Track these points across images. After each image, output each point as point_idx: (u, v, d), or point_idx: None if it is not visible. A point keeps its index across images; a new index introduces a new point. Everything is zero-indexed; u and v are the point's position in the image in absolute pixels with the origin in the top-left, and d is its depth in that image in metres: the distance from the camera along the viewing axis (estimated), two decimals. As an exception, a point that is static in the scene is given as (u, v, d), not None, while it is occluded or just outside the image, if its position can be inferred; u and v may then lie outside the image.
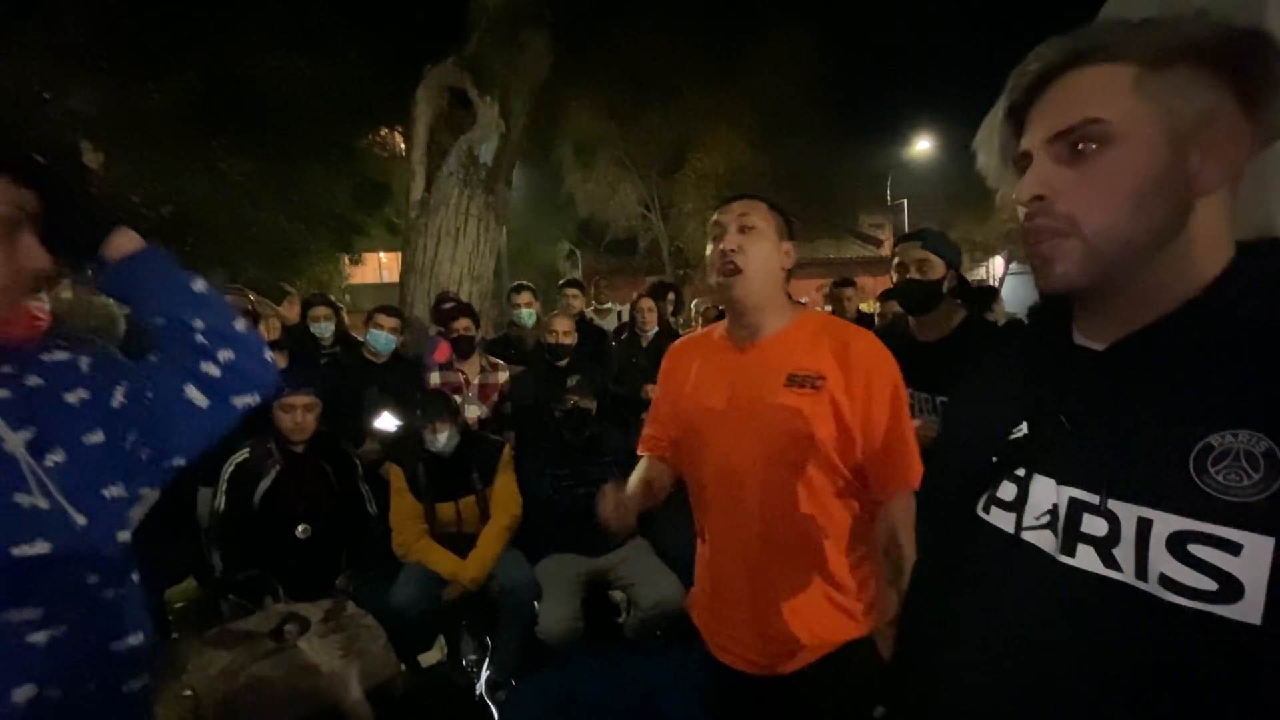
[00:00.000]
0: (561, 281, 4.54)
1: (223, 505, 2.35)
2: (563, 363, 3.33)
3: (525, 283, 4.22)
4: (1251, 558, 0.47)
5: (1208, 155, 0.56)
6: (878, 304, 4.35)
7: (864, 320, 4.43)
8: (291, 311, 3.57)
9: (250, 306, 3.24)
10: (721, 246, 1.26)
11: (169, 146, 6.32)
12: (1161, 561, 0.51)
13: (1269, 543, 0.47)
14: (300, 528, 2.35)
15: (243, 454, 2.42)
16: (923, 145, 19.24)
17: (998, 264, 21.43)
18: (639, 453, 1.49)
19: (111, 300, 1.97)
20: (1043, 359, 0.68)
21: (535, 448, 2.89)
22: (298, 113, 6.79)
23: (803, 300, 4.52)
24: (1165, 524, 0.51)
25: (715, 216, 1.31)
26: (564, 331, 3.40)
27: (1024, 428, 0.64)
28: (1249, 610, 0.47)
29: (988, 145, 0.67)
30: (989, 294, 4.19)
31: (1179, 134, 0.56)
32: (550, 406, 2.89)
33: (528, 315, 4.01)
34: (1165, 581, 0.51)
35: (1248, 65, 0.55)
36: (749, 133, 11.84)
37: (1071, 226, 0.58)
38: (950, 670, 0.66)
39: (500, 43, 5.07)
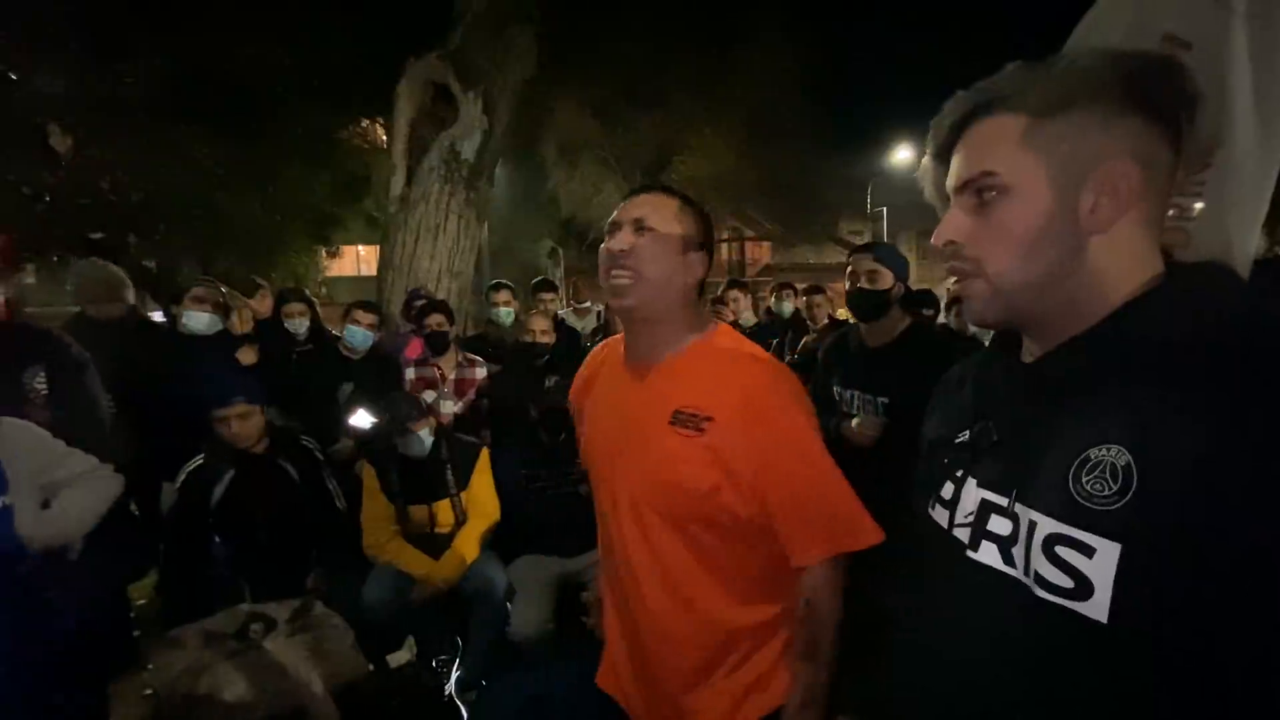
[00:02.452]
0: (534, 281, 4.50)
1: (175, 512, 2.31)
2: (541, 362, 3.32)
3: (504, 281, 4.20)
4: (1101, 561, 0.52)
5: (1101, 193, 0.59)
6: (845, 310, 4.45)
7: (838, 325, 4.52)
8: (264, 305, 3.50)
9: (221, 299, 3.18)
10: (608, 245, 1.07)
11: (141, 132, 6.15)
12: (1037, 560, 0.57)
13: (1116, 548, 0.52)
14: (261, 532, 2.32)
15: (197, 460, 2.39)
16: (902, 155, 19.55)
17: (973, 274, 21.82)
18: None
19: None
20: (990, 372, 0.74)
21: (511, 448, 2.88)
22: (276, 101, 6.65)
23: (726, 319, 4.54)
24: (1044, 526, 0.57)
25: (614, 213, 1.11)
26: (542, 331, 3.39)
27: (966, 433, 0.70)
28: (1098, 608, 0.52)
29: (928, 182, 0.72)
30: (925, 299, 4.40)
31: (1067, 179, 0.59)
32: (527, 407, 2.88)
33: (506, 314, 4.00)
34: (1038, 579, 0.57)
35: (1158, 92, 0.59)
36: (733, 137, 11.92)
37: (978, 269, 0.63)
38: (896, 652, 0.75)
39: (485, 39, 5.03)
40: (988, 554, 0.63)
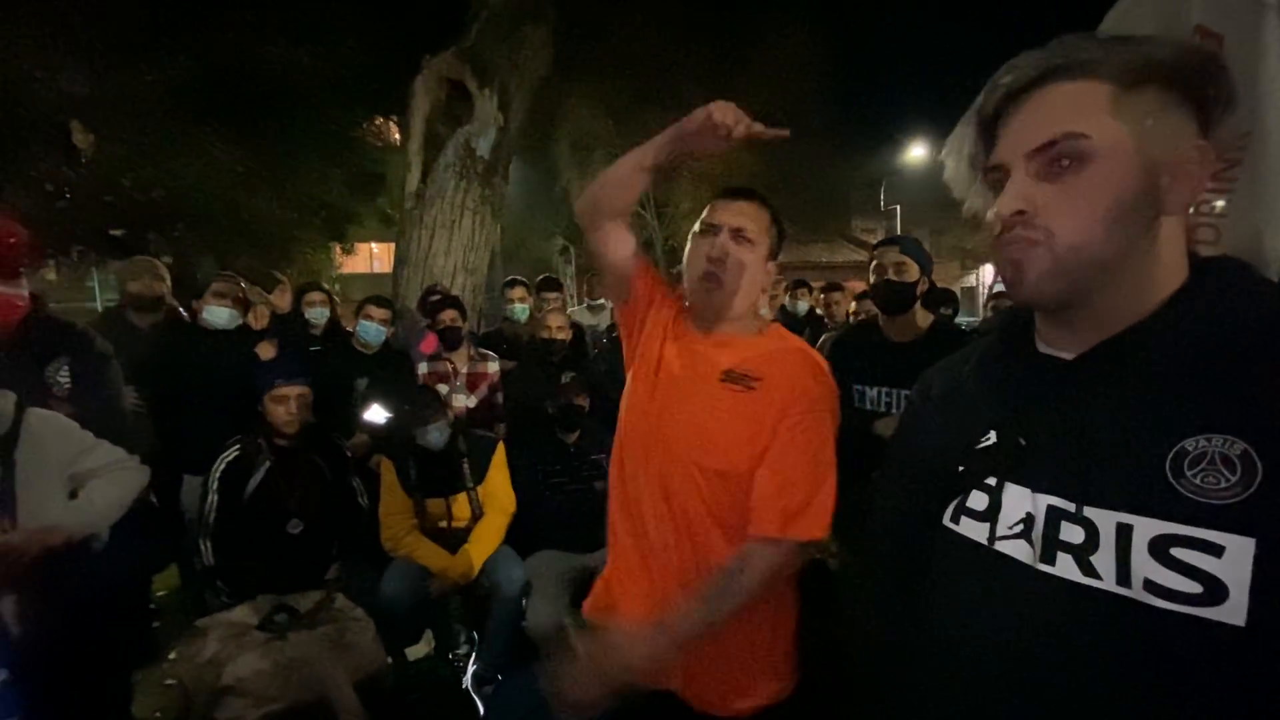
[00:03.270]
0: (539, 279, 4.49)
1: (215, 503, 2.32)
2: (557, 359, 3.33)
3: (519, 278, 4.20)
4: (1234, 559, 0.48)
5: (1176, 177, 0.57)
6: (854, 304, 4.43)
7: (816, 321, 4.56)
8: (282, 300, 3.54)
9: (241, 294, 3.21)
10: (709, 252, 1.15)
11: (161, 130, 6.23)
12: (1145, 566, 0.51)
13: (1250, 544, 0.47)
14: (292, 523, 2.33)
15: (233, 451, 2.40)
16: (916, 152, 19.39)
17: (988, 272, 21.66)
18: None
19: None
20: (1008, 368, 0.68)
21: (527, 444, 2.89)
22: (293, 99, 6.71)
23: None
24: (1146, 529, 0.52)
25: (710, 212, 1.19)
26: (558, 327, 3.39)
27: (992, 437, 0.65)
28: (1233, 612, 0.47)
29: (956, 155, 0.68)
30: (944, 297, 4.39)
31: (1151, 155, 0.57)
32: (543, 403, 2.88)
33: (521, 310, 4.00)
34: (1150, 586, 0.51)
35: (1205, 87, 0.57)
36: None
37: (1047, 238, 0.58)
38: (924, 684, 0.66)
39: (500, 36, 5.04)
40: (1064, 566, 0.56)
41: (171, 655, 1.84)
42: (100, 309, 10.57)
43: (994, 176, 0.63)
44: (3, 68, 5.29)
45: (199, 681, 1.62)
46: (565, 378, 2.89)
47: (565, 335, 3.40)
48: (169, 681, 1.83)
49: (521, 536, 2.73)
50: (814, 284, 5.13)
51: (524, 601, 2.53)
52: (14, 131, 5.47)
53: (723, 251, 1.14)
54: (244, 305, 3.18)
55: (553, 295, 4.26)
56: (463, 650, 2.70)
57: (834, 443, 1.13)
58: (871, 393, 2.10)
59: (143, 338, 2.93)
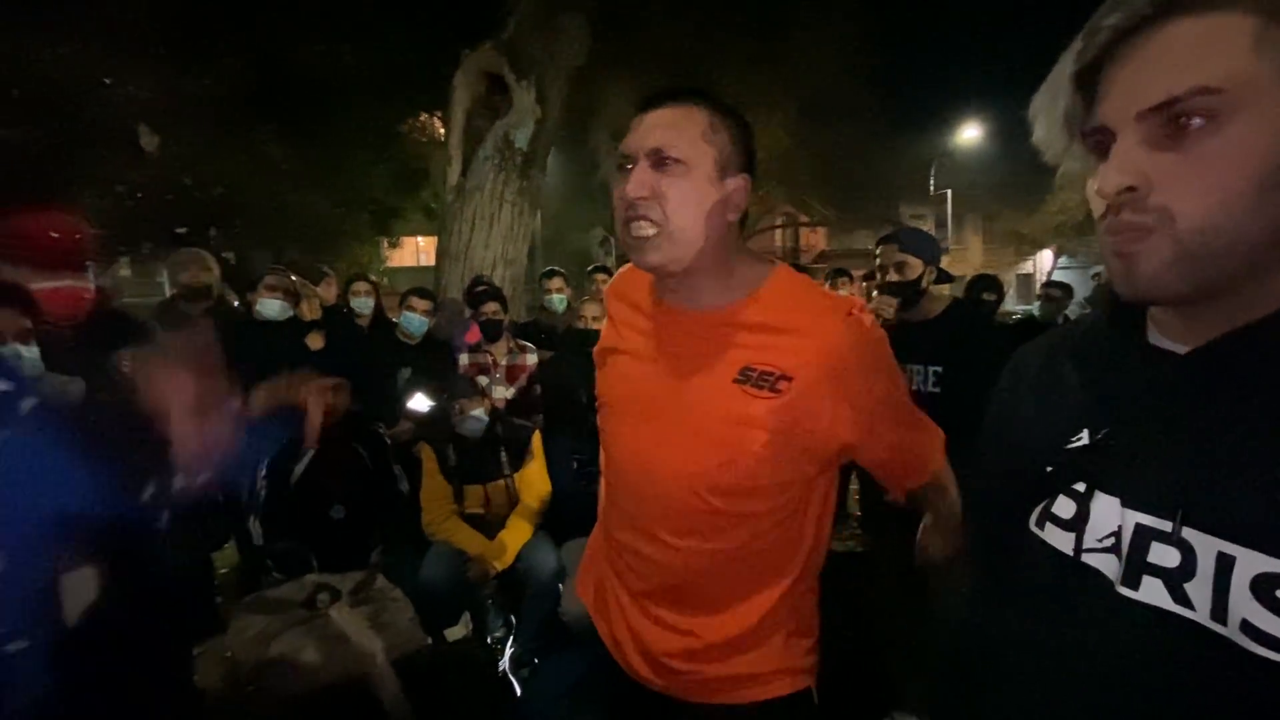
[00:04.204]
0: (590, 267, 4.54)
1: (264, 488, 2.44)
2: (592, 348, 3.35)
3: (556, 268, 4.24)
4: None
5: None
6: (875, 294, 4.31)
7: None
8: (329, 292, 3.67)
9: (292, 287, 3.34)
10: (621, 193, 0.84)
11: (219, 131, 6.53)
12: (1244, 606, 0.44)
13: None
14: (335, 508, 2.43)
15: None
16: (969, 134, 18.63)
17: (1045, 258, 20.70)
18: None
19: None
20: (1110, 360, 0.58)
21: (563, 433, 2.92)
22: (340, 98, 6.93)
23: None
24: (1251, 563, 0.44)
25: (625, 139, 0.87)
26: (594, 317, 3.41)
27: (1084, 437, 0.55)
28: None
29: (1048, 114, 0.55)
30: (988, 284, 4.30)
31: None
32: (579, 392, 2.91)
33: (559, 301, 4.04)
34: (1248, 629, 0.43)
35: None
36: (787, 120, 11.63)
37: (1164, 222, 0.47)
38: (1001, 688, 0.60)
39: (537, 27, 5.06)
40: (1151, 591, 0.49)
41: (228, 630, 1.94)
42: (168, 303, 11.18)
43: (1095, 140, 0.51)
44: (76, 76, 5.62)
45: (248, 654, 1.71)
46: (600, 368, 2.91)
47: (601, 325, 3.41)
48: (226, 654, 1.93)
49: (557, 524, 2.77)
50: (856, 272, 5.01)
51: (559, 587, 2.58)
52: (86, 135, 5.82)
53: (641, 187, 0.83)
54: (295, 297, 3.31)
55: (601, 278, 4.27)
56: (500, 633, 2.76)
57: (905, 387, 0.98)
58: (906, 369, 2.13)
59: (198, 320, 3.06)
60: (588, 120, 10.86)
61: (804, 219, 19.78)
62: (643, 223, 0.84)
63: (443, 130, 8.18)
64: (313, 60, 6.38)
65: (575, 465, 2.79)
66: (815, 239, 22.93)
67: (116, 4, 5.39)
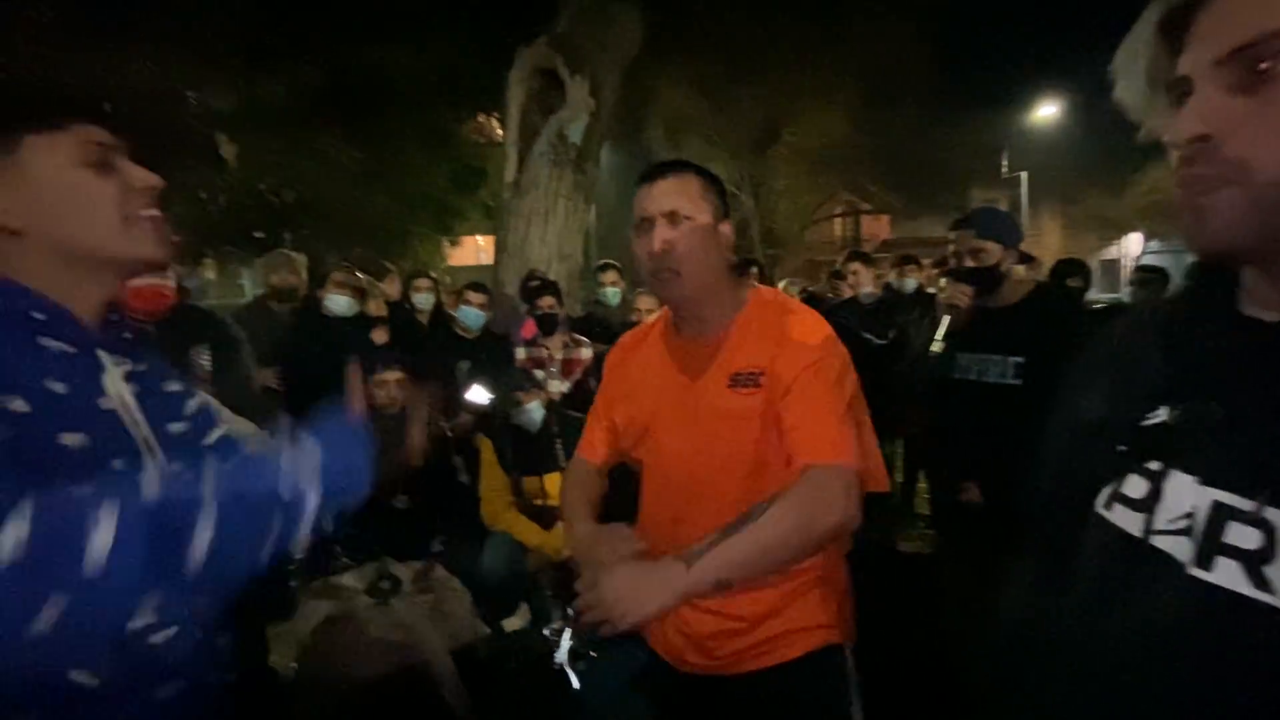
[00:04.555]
0: None
1: None
2: (647, 341, 3.31)
3: (611, 261, 4.22)
4: None
5: None
6: (943, 281, 4.00)
7: (927, 300, 4.07)
8: (392, 288, 3.78)
9: (358, 283, 3.46)
10: (649, 249, 1.09)
11: (290, 137, 6.86)
12: None
13: None
14: (399, 497, 2.49)
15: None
16: (1046, 111, 17.48)
17: (1132, 243, 19.19)
18: (579, 455, 1.37)
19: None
20: (1195, 331, 0.55)
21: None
22: (401, 101, 7.16)
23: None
24: None
25: (637, 203, 1.12)
26: (648, 310, 3.37)
27: (1161, 413, 0.53)
28: None
29: (1131, 68, 0.54)
30: (1073, 269, 3.99)
31: None
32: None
33: (613, 294, 4.03)
34: None
35: None
36: (847, 104, 11.23)
37: (1240, 173, 0.45)
38: (1063, 676, 0.58)
39: (590, 20, 5.05)
40: (1225, 573, 0.47)
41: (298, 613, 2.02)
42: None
43: (1179, 93, 0.49)
44: (162, 91, 6.00)
45: (316, 639, 1.76)
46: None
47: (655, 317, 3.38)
48: (297, 637, 2.00)
49: (614, 518, 2.75)
50: (924, 261, 4.75)
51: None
52: (172, 145, 6.24)
53: (663, 243, 1.08)
54: (361, 294, 3.43)
55: None
56: (557, 625, 2.77)
57: (862, 399, 1.11)
58: (963, 359, 2.00)
59: (283, 325, 3.22)
60: (641, 112, 10.84)
61: (865, 207, 19.10)
62: (667, 271, 1.09)
63: (499, 129, 8.34)
64: (375, 66, 6.61)
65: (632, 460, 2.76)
66: (878, 227, 22.12)
67: (198, 22, 5.73)
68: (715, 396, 1.11)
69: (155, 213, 0.76)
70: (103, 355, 0.76)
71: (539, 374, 3.32)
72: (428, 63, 6.95)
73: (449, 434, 2.88)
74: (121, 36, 5.48)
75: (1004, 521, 1.36)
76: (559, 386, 3.38)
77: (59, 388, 0.68)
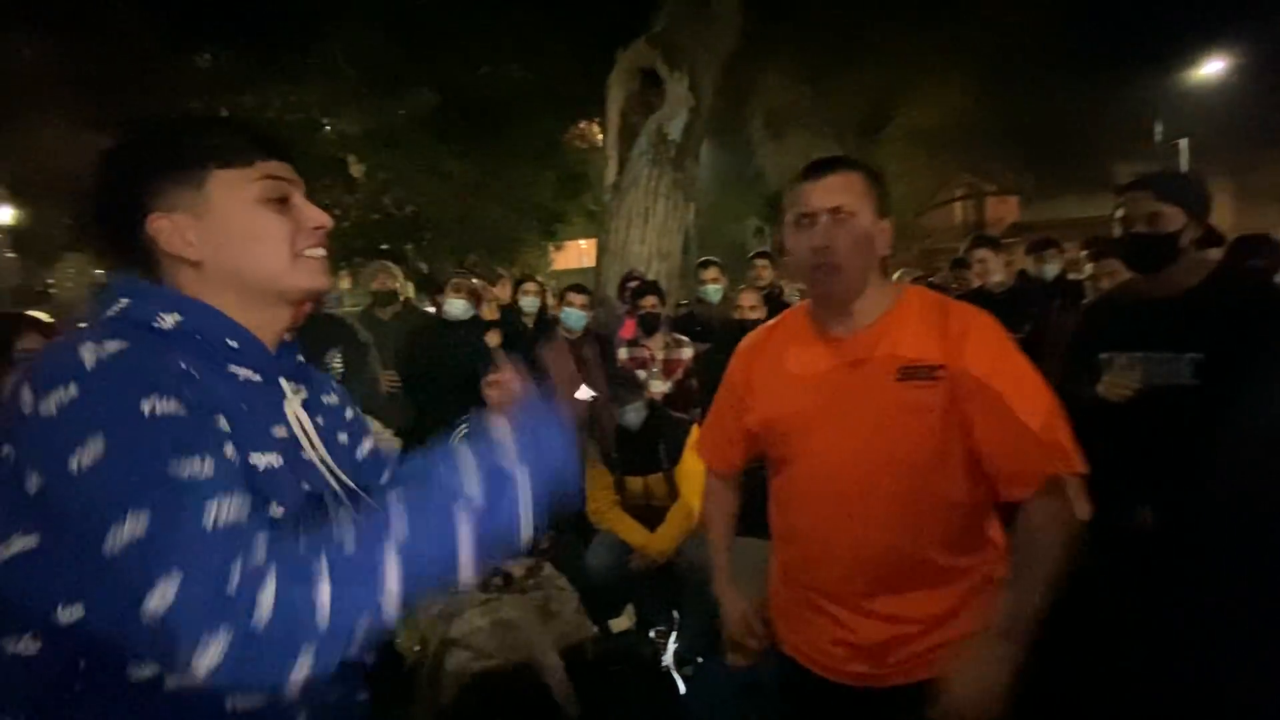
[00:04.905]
0: (751, 253, 4.38)
1: None
2: (751, 339, 3.21)
3: (713, 259, 4.15)
4: None
5: None
6: (1089, 266, 3.45)
7: (1071, 288, 3.55)
8: (503, 291, 3.95)
9: (474, 288, 3.64)
10: (812, 243, 1.08)
11: (411, 155, 7.38)
12: None
13: None
14: None
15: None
16: (1211, 68, 15.17)
17: (1328, 214, 16.27)
18: (710, 471, 1.37)
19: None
20: None
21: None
22: (510, 115, 7.49)
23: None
24: None
25: (798, 199, 1.10)
26: (750, 306, 3.27)
27: None
28: None
29: None
30: (1257, 247, 3.21)
31: None
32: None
33: (714, 291, 3.95)
34: None
35: None
36: (966, 77, 10.32)
37: None
38: None
39: (689, 16, 5.00)
40: None
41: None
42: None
43: None
44: (301, 119, 6.66)
45: (431, 631, 1.84)
46: (760, 358, 2.77)
47: (760, 314, 3.26)
48: (418, 626, 2.11)
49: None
50: (1065, 244, 4.24)
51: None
52: (309, 168, 6.92)
53: (827, 238, 1.07)
54: (476, 298, 3.61)
55: (762, 262, 4.09)
56: (663, 628, 2.74)
57: (1023, 364, 1.08)
58: (1120, 359, 1.67)
59: (387, 328, 3.46)
60: (742, 106, 10.61)
61: (990, 188, 17.58)
62: (827, 267, 1.07)
63: (601, 135, 8.50)
64: (484, 82, 6.95)
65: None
66: (1005, 210, 20.24)
67: (330, 53, 6.30)
68: (883, 389, 1.07)
69: (322, 252, 0.78)
70: (284, 383, 0.78)
71: (640, 374, 3.32)
72: (533, 77, 7.22)
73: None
74: (275, 75, 6.13)
75: (1180, 548, 1.17)
76: (660, 386, 3.36)
77: (247, 410, 0.70)
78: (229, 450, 0.63)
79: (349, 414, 0.90)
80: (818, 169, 1.12)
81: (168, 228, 0.72)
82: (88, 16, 6.48)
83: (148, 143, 0.76)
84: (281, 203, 0.75)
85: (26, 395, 0.58)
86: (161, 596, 0.51)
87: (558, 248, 13.02)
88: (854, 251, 1.07)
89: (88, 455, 0.55)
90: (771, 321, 1.28)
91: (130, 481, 0.54)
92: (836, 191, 1.08)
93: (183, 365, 0.64)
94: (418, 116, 7.11)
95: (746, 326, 3.21)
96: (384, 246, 8.69)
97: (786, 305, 3.99)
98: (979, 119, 10.44)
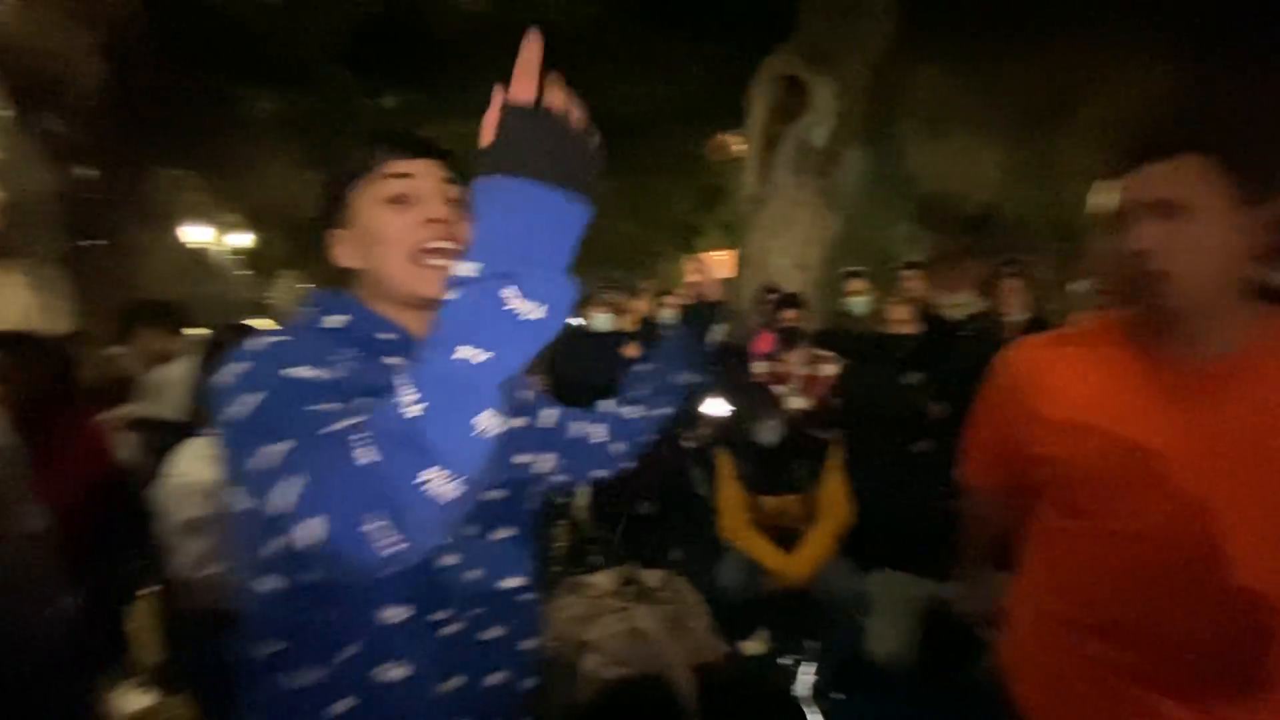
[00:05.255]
0: (904, 263, 4.09)
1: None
2: (900, 356, 2.99)
3: (859, 269, 3.94)
4: None
5: None
6: None
7: None
8: (644, 305, 4.05)
9: (616, 301, 3.78)
10: (1130, 247, 0.85)
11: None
12: None
13: None
14: (642, 504, 2.61)
15: None
16: None
17: None
18: (970, 482, 1.17)
19: None
20: None
21: (867, 451, 2.65)
22: (648, 130, 7.70)
23: None
24: None
25: (1115, 192, 0.88)
26: (901, 320, 3.05)
27: None
28: None
29: None
30: None
31: None
32: (885, 405, 2.61)
33: (860, 304, 3.74)
34: None
35: None
36: (1161, 57, 8.84)
37: None
38: None
39: (836, 17, 4.82)
40: None
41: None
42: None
43: None
44: (466, 149, 7.34)
45: (566, 633, 1.90)
46: (910, 378, 2.57)
47: (910, 330, 3.03)
48: (553, 626, 2.20)
49: (861, 550, 2.52)
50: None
51: (863, 620, 2.33)
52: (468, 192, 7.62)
53: (1146, 239, 0.84)
54: (619, 311, 3.75)
55: (911, 274, 3.81)
56: (797, 656, 2.62)
57: None
58: None
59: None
60: (895, 104, 10.00)
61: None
62: (1149, 276, 0.85)
63: (739, 146, 8.44)
64: (626, 101, 7.21)
65: (881, 488, 2.50)
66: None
67: (489, 91, 6.88)
68: (1255, 438, 0.85)
69: (445, 244, 0.78)
70: None
71: (778, 390, 3.22)
72: (674, 92, 7.37)
73: (689, 445, 2.94)
74: (445, 111, 6.80)
75: None
76: (799, 403, 3.23)
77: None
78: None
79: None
80: (1138, 154, 0.89)
81: (334, 243, 0.84)
82: (305, 71, 7.69)
83: (327, 174, 0.87)
84: (402, 200, 0.80)
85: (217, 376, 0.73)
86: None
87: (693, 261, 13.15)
88: (1188, 256, 0.83)
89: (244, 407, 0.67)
90: (1057, 333, 1.07)
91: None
92: (1162, 181, 0.85)
93: (340, 353, 0.76)
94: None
95: (897, 342, 3.02)
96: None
97: (943, 321, 3.67)
98: (1180, 102, 8.90)
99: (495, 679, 0.84)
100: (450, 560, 0.79)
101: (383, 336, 0.81)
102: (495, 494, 0.87)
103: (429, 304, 0.82)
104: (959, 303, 4.18)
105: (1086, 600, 0.96)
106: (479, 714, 0.81)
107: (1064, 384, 0.98)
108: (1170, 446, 0.87)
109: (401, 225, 0.80)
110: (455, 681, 0.79)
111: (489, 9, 6.83)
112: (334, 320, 0.82)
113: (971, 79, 10.15)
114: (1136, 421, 0.90)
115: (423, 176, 0.81)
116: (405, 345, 0.81)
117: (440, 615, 0.78)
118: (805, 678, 2.48)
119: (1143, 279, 0.85)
